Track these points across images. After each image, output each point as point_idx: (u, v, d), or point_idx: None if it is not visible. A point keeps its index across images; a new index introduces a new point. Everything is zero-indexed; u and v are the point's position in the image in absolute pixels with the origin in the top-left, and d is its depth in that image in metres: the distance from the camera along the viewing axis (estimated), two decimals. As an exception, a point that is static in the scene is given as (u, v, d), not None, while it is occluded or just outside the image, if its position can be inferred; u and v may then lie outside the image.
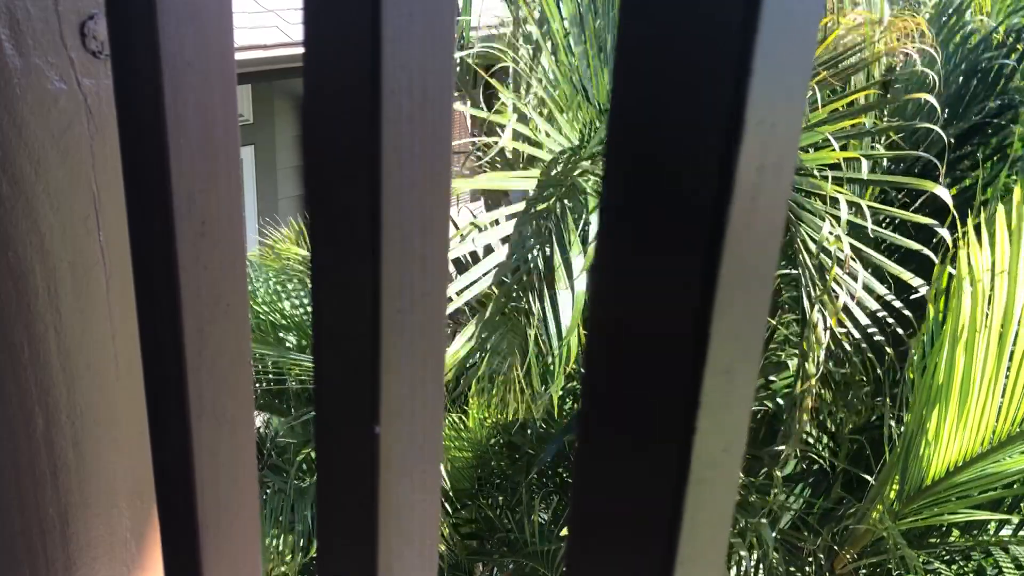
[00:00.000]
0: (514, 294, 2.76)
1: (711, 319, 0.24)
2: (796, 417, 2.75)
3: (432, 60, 0.35)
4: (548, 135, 2.87)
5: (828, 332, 2.61)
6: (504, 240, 2.75)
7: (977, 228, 2.63)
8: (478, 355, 2.82)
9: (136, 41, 0.44)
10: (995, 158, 3.29)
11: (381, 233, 0.35)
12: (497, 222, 2.76)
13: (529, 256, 2.73)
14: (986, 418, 2.62)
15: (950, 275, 2.66)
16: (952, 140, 3.18)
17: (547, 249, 2.74)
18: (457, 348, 2.79)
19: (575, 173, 2.79)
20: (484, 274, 2.70)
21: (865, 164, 2.72)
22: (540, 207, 2.75)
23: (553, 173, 2.79)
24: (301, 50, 0.36)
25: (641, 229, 0.25)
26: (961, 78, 3.34)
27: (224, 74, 0.48)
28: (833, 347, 2.72)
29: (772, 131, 0.24)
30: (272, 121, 7.03)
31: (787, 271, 3.24)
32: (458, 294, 2.68)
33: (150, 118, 0.45)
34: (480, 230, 2.72)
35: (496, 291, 2.77)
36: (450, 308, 2.72)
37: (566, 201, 2.77)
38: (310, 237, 0.38)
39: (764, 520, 3.01)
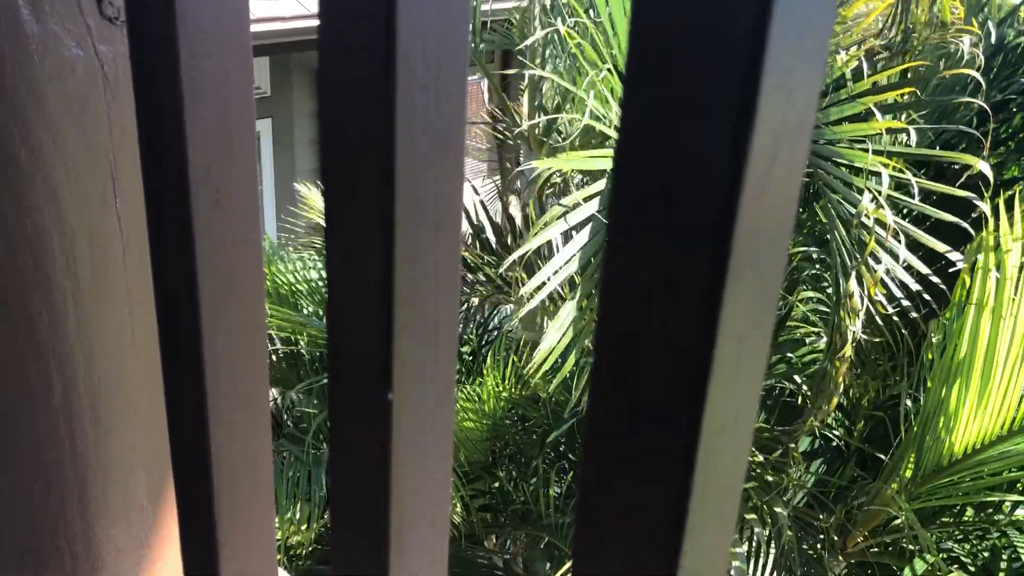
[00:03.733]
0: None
1: (724, 283, 0.24)
2: (826, 389, 2.74)
3: (446, 28, 0.35)
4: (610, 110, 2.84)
5: (864, 302, 2.59)
6: (585, 223, 2.70)
7: (1009, 202, 2.60)
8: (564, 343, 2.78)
9: (152, 6, 0.44)
10: (1020, 135, 3.25)
11: (395, 199, 0.35)
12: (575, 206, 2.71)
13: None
14: (1008, 401, 2.60)
15: (974, 254, 2.63)
16: (976, 116, 3.13)
17: None
18: (550, 342, 2.76)
19: None
20: (567, 261, 2.67)
21: (914, 134, 2.69)
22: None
23: None
24: (318, 21, 0.36)
25: (655, 192, 0.25)
26: (987, 55, 3.29)
27: (240, 42, 0.47)
28: (865, 320, 2.70)
29: (789, 97, 0.24)
30: (290, 94, 7.03)
31: (806, 248, 3.22)
32: (547, 280, 2.66)
33: (166, 85, 0.45)
34: (568, 211, 2.68)
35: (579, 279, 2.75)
36: (539, 296, 2.70)
37: None
38: (325, 204, 0.38)
39: (778, 498, 3.02)
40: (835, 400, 2.79)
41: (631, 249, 0.26)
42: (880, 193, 2.54)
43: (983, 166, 2.60)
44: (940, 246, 2.67)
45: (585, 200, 2.69)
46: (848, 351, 2.62)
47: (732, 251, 0.24)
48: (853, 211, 2.61)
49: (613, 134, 2.79)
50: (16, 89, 0.58)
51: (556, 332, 2.74)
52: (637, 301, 0.26)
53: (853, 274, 2.58)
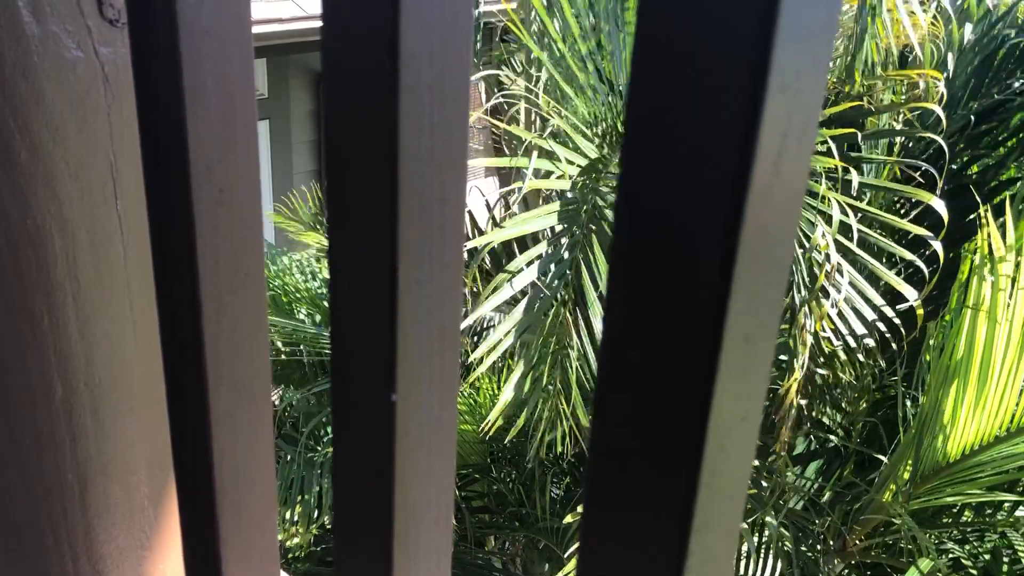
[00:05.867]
0: (551, 333, 2.75)
1: (731, 284, 0.24)
2: (783, 412, 2.75)
3: (451, 29, 0.35)
4: (570, 162, 2.84)
5: (813, 336, 2.61)
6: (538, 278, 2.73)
7: (1000, 206, 2.61)
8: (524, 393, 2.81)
9: (153, 8, 0.44)
10: (1018, 136, 3.26)
11: (399, 202, 0.35)
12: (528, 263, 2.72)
13: (560, 294, 2.71)
14: (1005, 402, 2.61)
15: (971, 258, 2.64)
16: (973, 117, 3.14)
17: (578, 279, 2.72)
18: (506, 397, 2.79)
19: (597, 197, 2.77)
20: (512, 328, 2.69)
21: (855, 174, 2.68)
22: (564, 240, 2.73)
23: (571, 196, 2.77)
24: (318, 24, 0.36)
25: (662, 191, 0.25)
26: (983, 54, 3.30)
27: (242, 42, 0.47)
28: (824, 350, 2.72)
29: (796, 97, 0.24)
30: (287, 95, 7.02)
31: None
32: (494, 347, 2.68)
33: (167, 86, 0.45)
34: (512, 275, 2.70)
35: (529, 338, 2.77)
36: (490, 359, 2.72)
37: (592, 227, 2.74)
38: (328, 206, 0.38)
39: (771, 503, 3.02)
40: (788, 426, 2.79)
41: (638, 247, 0.26)
42: (831, 224, 2.55)
43: (938, 204, 2.60)
44: (897, 282, 2.67)
45: (527, 264, 2.71)
46: (797, 374, 2.63)
47: (739, 251, 0.24)
48: (809, 236, 2.62)
49: (564, 185, 2.81)
50: (16, 90, 0.58)
51: (511, 389, 2.78)
52: (644, 302, 0.26)
53: (804, 307, 2.60)
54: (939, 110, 2.80)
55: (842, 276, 2.60)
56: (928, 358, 2.80)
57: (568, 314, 2.73)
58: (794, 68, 0.24)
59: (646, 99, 0.25)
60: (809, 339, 2.59)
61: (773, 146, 0.24)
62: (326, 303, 3.98)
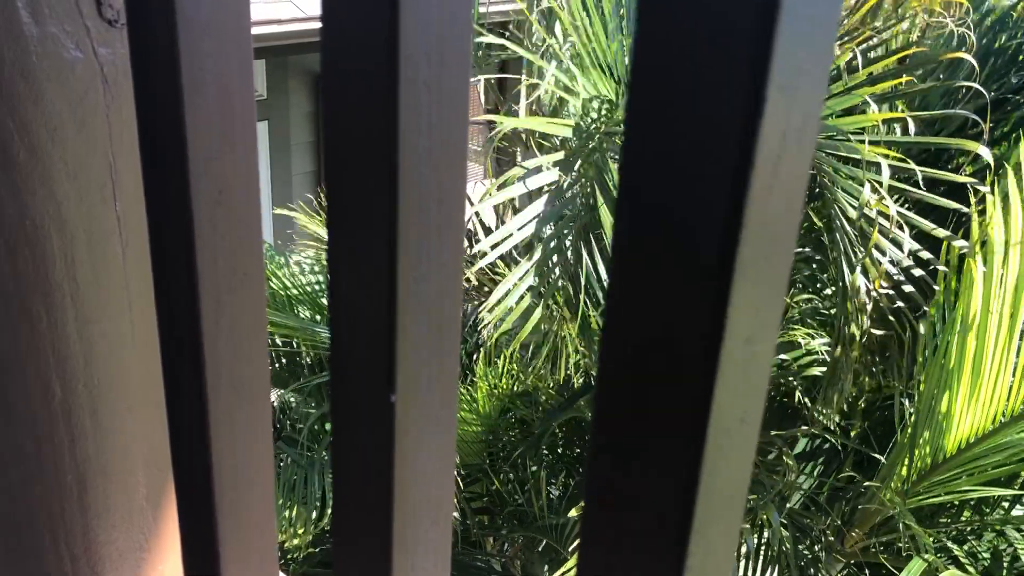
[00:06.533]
0: (557, 248, 2.74)
1: (731, 286, 0.24)
2: (837, 380, 2.74)
3: (449, 27, 0.35)
4: (583, 87, 2.84)
5: (871, 295, 2.61)
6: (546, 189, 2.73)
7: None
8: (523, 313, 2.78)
9: (152, 4, 0.44)
10: (1013, 136, 3.26)
11: (398, 202, 0.35)
12: (539, 169, 2.71)
13: (569, 208, 2.69)
14: (998, 395, 2.61)
15: (962, 252, 2.65)
16: (970, 116, 3.14)
17: (590, 200, 2.71)
18: (501, 299, 2.75)
19: (612, 125, 2.76)
20: (522, 227, 2.68)
21: (912, 124, 2.70)
22: (582, 157, 2.72)
23: (590, 121, 2.77)
24: (317, 24, 0.36)
25: (662, 194, 0.25)
26: (981, 54, 3.30)
27: (241, 41, 0.47)
28: (869, 310, 2.72)
29: (795, 96, 0.24)
30: (287, 97, 7.02)
31: (801, 249, 3.23)
32: (493, 247, 2.68)
33: (166, 85, 0.45)
34: (521, 179, 2.69)
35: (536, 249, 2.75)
36: (486, 259, 2.72)
37: (605, 146, 2.72)
38: (328, 206, 0.38)
39: (772, 502, 3.02)
40: (845, 392, 2.79)
41: (638, 249, 0.26)
42: (881, 185, 2.56)
43: (984, 151, 2.61)
44: (942, 232, 2.69)
45: (547, 168, 2.70)
46: (857, 347, 2.64)
47: (739, 249, 0.24)
48: (855, 204, 2.62)
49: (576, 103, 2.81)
50: (15, 90, 0.58)
51: (504, 287, 2.74)
52: (645, 302, 0.26)
53: (859, 268, 2.59)
54: (973, 60, 2.81)
55: (900, 230, 2.59)
56: (921, 357, 2.80)
57: (581, 241, 2.72)
58: (795, 64, 0.24)
59: (646, 94, 0.25)
60: (867, 301, 2.59)
61: (774, 143, 0.24)
62: (324, 300, 3.99)
